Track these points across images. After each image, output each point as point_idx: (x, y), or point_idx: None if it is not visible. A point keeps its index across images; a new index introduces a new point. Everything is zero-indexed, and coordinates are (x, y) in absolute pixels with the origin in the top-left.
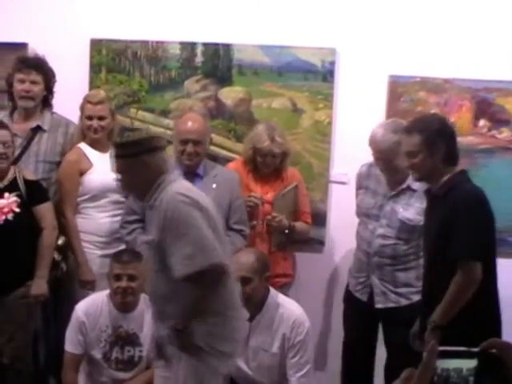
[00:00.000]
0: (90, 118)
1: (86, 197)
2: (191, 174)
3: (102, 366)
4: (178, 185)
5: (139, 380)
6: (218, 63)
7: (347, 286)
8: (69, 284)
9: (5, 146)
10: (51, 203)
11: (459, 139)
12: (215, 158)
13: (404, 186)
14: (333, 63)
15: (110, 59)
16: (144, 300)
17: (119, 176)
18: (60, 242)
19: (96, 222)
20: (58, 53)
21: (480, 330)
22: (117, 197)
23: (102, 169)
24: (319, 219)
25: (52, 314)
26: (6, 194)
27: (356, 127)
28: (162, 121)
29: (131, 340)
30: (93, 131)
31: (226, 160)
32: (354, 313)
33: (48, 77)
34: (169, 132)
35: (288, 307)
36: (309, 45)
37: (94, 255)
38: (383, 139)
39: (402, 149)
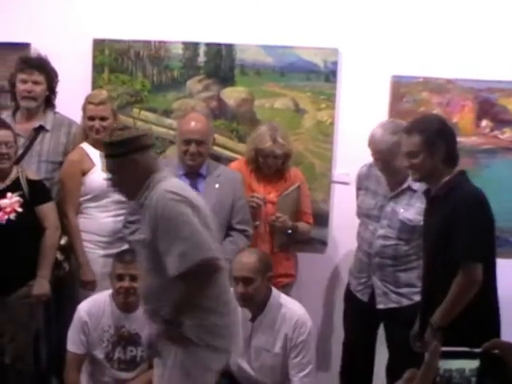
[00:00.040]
0: (91, 118)
1: (89, 197)
2: (194, 174)
3: (105, 366)
4: (168, 183)
5: (141, 380)
6: (220, 63)
7: (348, 285)
8: (71, 284)
9: (7, 146)
10: (54, 203)
11: (462, 139)
12: (217, 158)
13: (404, 186)
14: (335, 63)
15: (113, 59)
16: None
17: (109, 175)
18: (62, 241)
19: (98, 222)
20: (60, 53)
21: (479, 331)
22: (119, 196)
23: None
24: (321, 219)
25: (54, 313)
26: (9, 194)
27: (358, 127)
28: (165, 121)
29: (133, 340)
30: (95, 132)
31: (229, 160)
32: (355, 313)
33: (50, 77)
34: (171, 132)
35: (290, 307)
36: (311, 45)
37: (96, 255)
38: (382, 140)
39: (401, 149)
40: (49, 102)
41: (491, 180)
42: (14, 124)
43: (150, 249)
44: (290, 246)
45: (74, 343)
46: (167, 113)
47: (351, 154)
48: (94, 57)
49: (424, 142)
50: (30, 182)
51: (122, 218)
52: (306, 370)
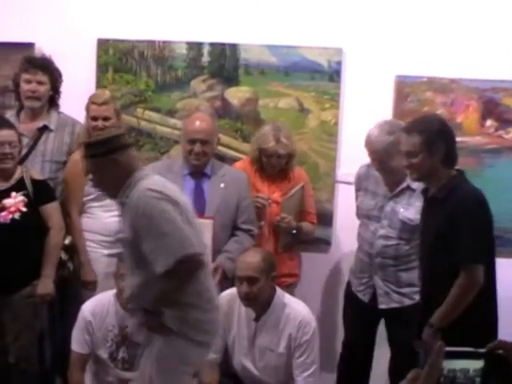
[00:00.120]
0: (94, 118)
1: (92, 196)
2: (199, 174)
3: (109, 366)
4: (148, 181)
5: None
6: (224, 63)
7: (348, 284)
8: (75, 284)
9: (11, 145)
10: (58, 203)
11: (466, 139)
12: (222, 158)
13: (403, 185)
14: (339, 63)
15: (117, 59)
16: None
17: (92, 175)
18: (67, 241)
19: (102, 222)
20: (64, 53)
21: (478, 332)
22: None
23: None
24: (325, 219)
25: (58, 313)
26: (13, 194)
27: (362, 127)
28: (169, 120)
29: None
30: (98, 131)
31: (233, 160)
32: (355, 312)
33: (54, 77)
34: (175, 132)
35: (294, 307)
36: (315, 45)
37: (99, 254)
38: (378, 140)
39: (399, 149)
40: (53, 101)
41: (495, 180)
42: (18, 124)
43: (132, 247)
44: (294, 246)
45: (78, 343)
46: (171, 113)
47: (355, 154)
48: (98, 56)
49: (423, 142)
50: (34, 181)
51: None
52: (310, 370)
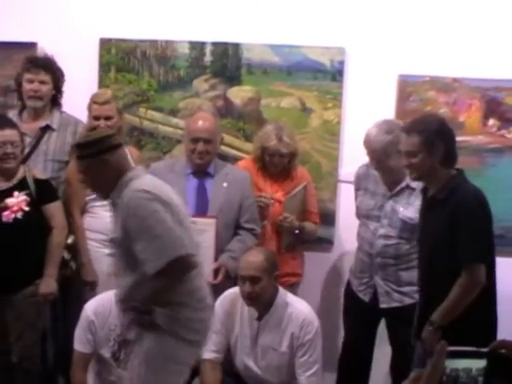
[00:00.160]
0: (96, 118)
1: (94, 196)
2: (202, 173)
3: (111, 365)
4: (140, 181)
5: None
6: (226, 62)
7: (348, 284)
8: (78, 283)
9: (13, 145)
10: (61, 202)
11: (468, 138)
12: (224, 158)
13: (403, 184)
14: (342, 63)
15: (119, 58)
16: None
17: (83, 176)
18: (69, 240)
19: (104, 221)
20: (67, 52)
21: (478, 331)
22: None
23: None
24: (328, 218)
25: (61, 312)
26: (16, 193)
27: (365, 127)
28: (171, 120)
29: None
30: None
31: (235, 159)
32: (356, 312)
33: (56, 76)
34: (178, 131)
35: (297, 306)
36: (318, 44)
37: (102, 254)
38: (376, 139)
39: (398, 148)
40: (55, 101)
41: (498, 179)
42: (21, 123)
43: (123, 248)
44: (297, 246)
45: (80, 342)
46: (173, 112)
47: (358, 154)
48: (101, 56)
49: (423, 143)
50: (36, 181)
51: None
52: (313, 369)
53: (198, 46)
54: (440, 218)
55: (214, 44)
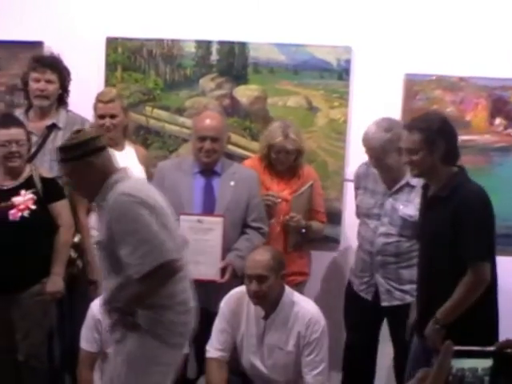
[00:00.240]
0: (102, 116)
1: None
2: (209, 172)
3: None
4: (124, 184)
5: None
6: (233, 61)
7: (349, 284)
8: (84, 282)
9: (18, 144)
10: (67, 201)
11: (475, 137)
12: (230, 156)
13: (402, 182)
14: (348, 61)
15: (126, 57)
16: None
17: (68, 179)
18: (76, 239)
19: None
20: (73, 51)
21: (479, 330)
22: None
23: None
24: (334, 217)
25: (67, 311)
26: (23, 192)
27: None
28: (177, 119)
29: None
30: (105, 130)
31: (241, 158)
32: (357, 312)
33: (63, 75)
34: (184, 130)
35: (303, 305)
36: (324, 43)
37: None
38: (374, 137)
39: (396, 146)
40: (61, 100)
41: (504, 178)
42: (27, 122)
43: (107, 250)
44: (304, 245)
45: (87, 341)
46: (180, 111)
47: (364, 153)
48: (107, 55)
49: (424, 141)
50: (43, 179)
51: None
52: (319, 368)
53: (204, 45)
54: (442, 216)
55: (221, 43)
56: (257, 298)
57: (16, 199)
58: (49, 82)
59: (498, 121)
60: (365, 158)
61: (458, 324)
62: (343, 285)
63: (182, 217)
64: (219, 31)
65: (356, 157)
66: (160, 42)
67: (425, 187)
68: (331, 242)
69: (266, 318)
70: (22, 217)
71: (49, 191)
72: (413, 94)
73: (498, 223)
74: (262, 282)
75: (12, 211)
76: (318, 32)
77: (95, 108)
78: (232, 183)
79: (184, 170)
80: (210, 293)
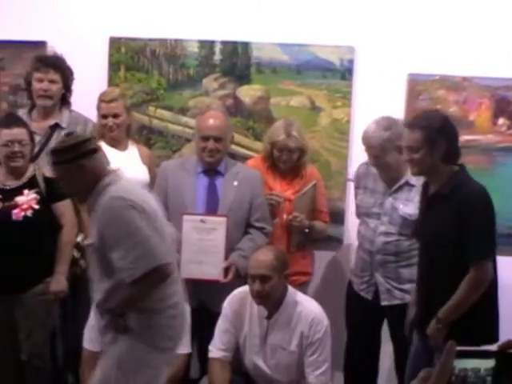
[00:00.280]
0: (104, 116)
1: None
2: (212, 172)
3: None
4: (117, 186)
5: None
6: (236, 61)
7: (349, 284)
8: (87, 281)
9: (21, 144)
10: (70, 200)
11: (478, 137)
12: (233, 156)
13: (402, 181)
14: (351, 61)
15: (129, 57)
16: None
17: (60, 182)
18: (79, 239)
19: None
20: (76, 51)
21: (480, 328)
22: None
23: (118, 167)
24: (337, 217)
25: (70, 311)
26: (26, 191)
27: None
28: (181, 119)
29: None
30: (108, 129)
31: (244, 158)
32: (358, 312)
33: (66, 75)
34: (187, 130)
35: (306, 305)
36: (327, 43)
37: None
38: (374, 135)
39: (395, 144)
40: (65, 100)
41: (507, 178)
42: (30, 122)
43: (99, 254)
44: (307, 245)
45: (90, 341)
46: (183, 111)
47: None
48: (110, 55)
49: (425, 139)
50: (46, 179)
51: None
52: (322, 368)
53: (207, 45)
54: (444, 215)
55: (224, 43)
56: (260, 297)
57: (19, 199)
58: (52, 81)
59: (501, 121)
60: (367, 157)
61: (459, 322)
62: (346, 284)
63: (185, 216)
64: (222, 31)
65: (359, 157)
66: (163, 41)
67: (425, 186)
68: (334, 241)
69: (268, 317)
70: (25, 216)
71: (52, 191)
72: (416, 94)
73: (501, 223)
74: (265, 281)
75: (15, 211)
76: (321, 32)
77: (98, 108)
78: (235, 183)
79: (187, 169)
80: (212, 293)
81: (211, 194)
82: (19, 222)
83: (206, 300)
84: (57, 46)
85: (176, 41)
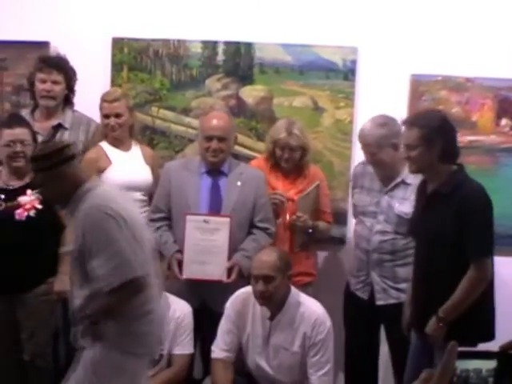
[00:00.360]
0: (107, 116)
1: None
2: (216, 172)
3: None
4: (96, 194)
5: (159, 378)
6: (239, 62)
7: (347, 284)
8: None
9: (23, 144)
10: None
11: (481, 138)
12: (236, 157)
13: (398, 180)
14: (354, 62)
15: (132, 58)
16: (164, 299)
17: (40, 188)
18: None
19: None
20: (79, 51)
21: (477, 327)
22: (136, 194)
23: (121, 167)
24: (340, 218)
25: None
26: (29, 191)
27: None
28: (183, 119)
29: None
30: (110, 129)
31: (247, 158)
32: (355, 312)
33: (69, 76)
34: (190, 130)
35: (309, 306)
36: (330, 43)
37: None
38: (369, 133)
39: (391, 142)
40: (67, 100)
41: (510, 178)
42: (33, 122)
43: (79, 260)
44: (310, 245)
45: None
46: (186, 111)
47: None
48: (113, 55)
49: (422, 137)
50: None
51: (143, 215)
52: (325, 369)
53: (210, 46)
54: (443, 214)
55: (227, 43)
56: (263, 298)
57: (22, 199)
58: (55, 82)
59: (504, 121)
60: None
61: (457, 321)
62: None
63: (188, 217)
64: (225, 31)
65: (362, 157)
66: (166, 42)
67: (422, 184)
68: (337, 242)
69: (271, 318)
70: (28, 216)
71: None
72: (419, 95)
73: (504, 224)
74: (268, 282)
75: (18, 211)
76: (323, 32)
77: (100, 108)
78: (239, 183)
79: (191, 170)
80: (215, 293)
81: (214, 195)
82: (22, 222)
83: (208, 300)
84: (60, 46)
85: (179, 41)
